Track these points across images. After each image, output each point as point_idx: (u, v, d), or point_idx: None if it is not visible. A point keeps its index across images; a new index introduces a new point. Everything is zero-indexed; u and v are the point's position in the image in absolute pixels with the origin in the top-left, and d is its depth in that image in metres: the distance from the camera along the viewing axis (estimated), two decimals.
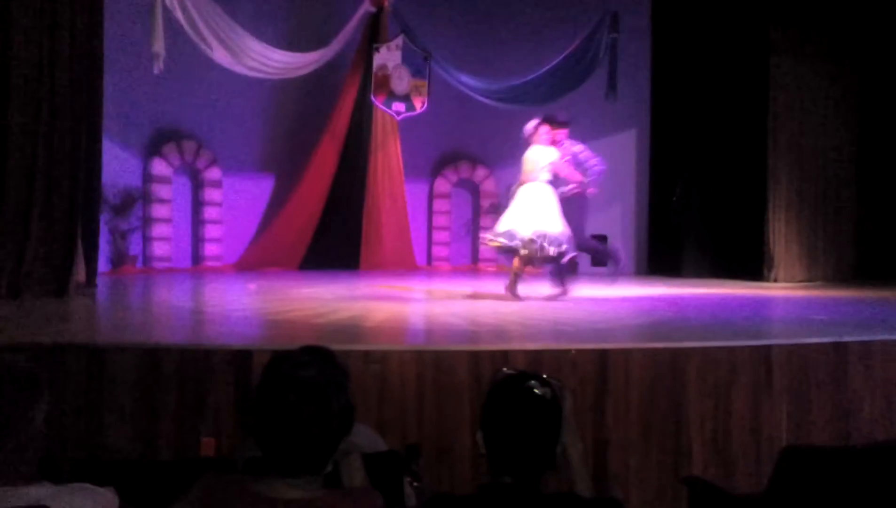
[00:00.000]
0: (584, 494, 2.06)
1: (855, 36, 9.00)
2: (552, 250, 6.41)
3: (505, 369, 2.04)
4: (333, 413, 1.71)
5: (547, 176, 6.60)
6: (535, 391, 1.90)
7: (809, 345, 4.34)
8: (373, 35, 10.30)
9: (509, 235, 6.50)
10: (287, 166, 10.48)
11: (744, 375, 4.15)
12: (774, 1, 8.97)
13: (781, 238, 9.18)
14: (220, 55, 8.45)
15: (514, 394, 1.91)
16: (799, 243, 9.23)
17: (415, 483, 2.45)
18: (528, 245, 6.41)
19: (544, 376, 1.98)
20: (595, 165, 6.93)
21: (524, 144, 6.81)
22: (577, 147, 6.90)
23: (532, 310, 6.28)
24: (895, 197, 8.78)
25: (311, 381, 1.70)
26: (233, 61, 8.66)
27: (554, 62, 10.15)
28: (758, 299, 7.50)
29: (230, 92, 9.82)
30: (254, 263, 10.00)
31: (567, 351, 4.01)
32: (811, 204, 9.22)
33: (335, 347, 3.91)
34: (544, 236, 6.39)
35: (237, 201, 10.27)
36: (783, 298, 7.46)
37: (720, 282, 8.91)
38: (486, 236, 6.86)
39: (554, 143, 6.73)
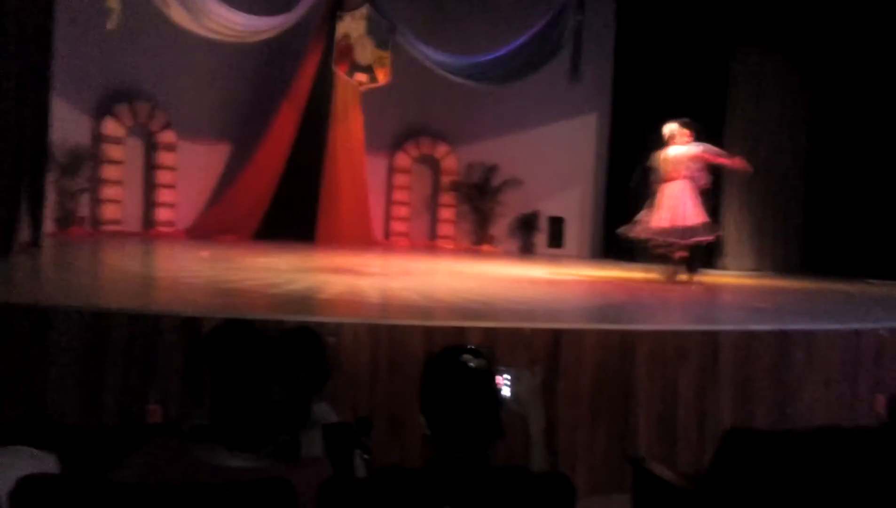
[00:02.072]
0: (537, 468, 2.07)
1: (808, 44, 9.18)
2: (691, 240, 7.19)
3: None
4: (297, 385, 1.68)
5: (687, 172, 7.24)
6: (470, 364, 1.87)
7: (755, 332, 4.47)
8: (337, 2, 10.10)
9: (662, 231, 7.20)
10: (244, 133, 10.26)
11: (691, 359, 4.25)
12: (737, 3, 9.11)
13: (732, 229, 9.40)
14: (176, 14, 8.17)
15: (449, 370, 1.88)
16: (749, 234, 9.48)
17: (364, 456, 2.45)
18: (673, 235, 7.17)
19: (474, 347, 1.95)
20: (724, 157, 7.52)
21: (662, 144, 7.36)
22: (702, 147, 7.44)
23: (489, 289, 6.30)
24: (840, 195, 9.04)
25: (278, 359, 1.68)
26: (190, 22, 8.37)
27: (519, 42, 10.12)
28: (708, 286, 7.66)
29: (188, 53, 9.54)
30: (207, 230, 9.80)
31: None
32: (762, 198, 9.45)
33: (289, 318, 3.89)
34: (686, 229, 7.15)
35: (192, 166, 10.03)
36: (732, 286, 7.64)
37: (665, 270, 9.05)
38: (632, 232, 7.42)
39: (687, 143, 7.34)
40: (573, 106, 10.78)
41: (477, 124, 11.12)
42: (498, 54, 10.17)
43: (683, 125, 7.31)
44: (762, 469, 2.67)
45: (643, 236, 7.28)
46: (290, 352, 1.67)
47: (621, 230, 7.43)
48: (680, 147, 7.26)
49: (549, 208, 11.15)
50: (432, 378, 1.90)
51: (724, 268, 9.30)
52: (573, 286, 7.11)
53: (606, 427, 4.07)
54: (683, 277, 7.42)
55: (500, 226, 11.29)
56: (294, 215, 10.03)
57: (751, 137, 9.33)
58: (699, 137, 7.39)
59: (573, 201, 11.11)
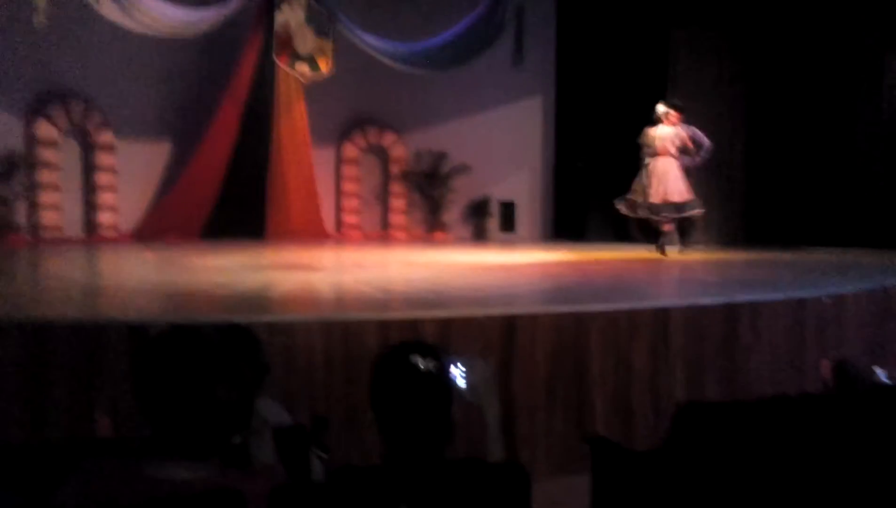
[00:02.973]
0: (494, 458, 2.07)
1: (744, 22, 9.37)
2: (683, 214, 7.82)
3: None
4: (239, 387, 1.64)
5: (674, 150, 7.81)
6: (419, 365, 1.80)
7: (703, 307, 4.56)
8: None
9: (651, 207, 7.77)
10: (186, 130, 10.02)
11: (643, 336, 4.31)
12: None
13: None
14: (106, 9, 7.90)
15: (397, 373, 1.82)
16: None
17: (322, 455, 2.43)
18: (665, 211, 7.75)
19: (425, 343, 1.89)
20: (706, 140, 7.99)
21: (656, 122, 7.86)
22: (690, 129, 7.97)
23: (443, 277, 6.30)
24: (779, 171, 9.29)
25: (213, 361, 1.63)
26: (121, 16, 8.12)
27: (460, 27, 10.09)
28: (657, 262, 7.80)
29: (122, 49, 9.25)
30: (152, 232, 9.57)
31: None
32: (705, 173, 9.63)
33: (238, 319, 3.81)
34: (679, 203, 7.74)
35: (133, 167, 9.76)
36: (680, 262, 7.79)
37: (623, 247, 9.20)
38: (621, 205, 8.00)
39: (674, 125, 7.88)
40: (518, 89, 10.81)
41: (424, 112, 11.07)
42: (439, 40, 10.13)
43: (672, 107, 7.85)
44: (714, 440, 2.73)
45: (640, 214, 7.86)
46: (224, 350, 1.63)
47: (617, 205, 7.98)
48: (669, 128, 7.80)
49: (499, 193, 11.19)
50: (381, 382, 1.83)
51: (670, 243, 9.46)
52: (526, 270, 7.16)
53: (563, 410, 4.11)
54: (673, 250, 7.91)
55: (452, 213, 11.29)
56: (242, 211, 9.86)
57: (692, 114, 9.49)
58: (686, 120, 7.93)
59: (523, 185, 11.17)
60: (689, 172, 8.01)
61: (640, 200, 7.84)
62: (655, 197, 7.74)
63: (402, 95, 10.73)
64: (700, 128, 8.05)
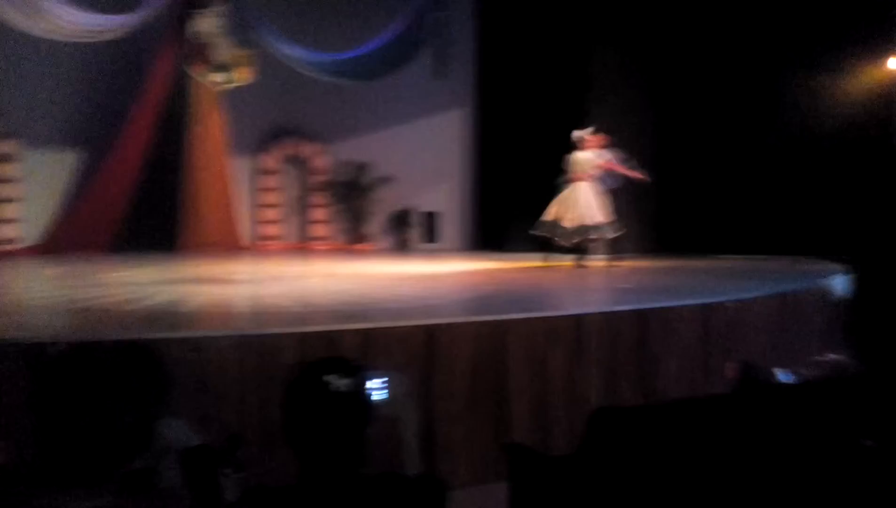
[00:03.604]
0: (412, 471, 2.06)
1: (656, 39, 9.76)
2: (598, 237, 8.09)
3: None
4: (130, 413, 1.57)
5: (594, 173, 8.08)
6: (333, 386, 1.73)
7: (616, 313, 4.68)
8: (190, 0, 9.65)
9: (570, 232, 7.94)
10: (95, 140, 9.62)
11: (560, 344, 4.39)
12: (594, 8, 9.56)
13: None
14: (8, 15, 7.51)
15: (311, 395, 1.74)
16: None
17: (235, 475, 2.35)
18: (578, 235, 7.94)
19: (345, 360, 1.80)
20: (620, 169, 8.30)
21: (575, 147, 8.11)
22: (612, 154, 8.22)
23: (364, 289, 6.25)
24: (689, 184, 9.69)
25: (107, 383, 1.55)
26: (25, 22, 7.73)
27: (381, 39, 10.09)
28: (573, 271, 7.97)
29: (28, 56, 8.82)
30: (59, 245, 9.12)
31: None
32: (620, 185, 9.91)
33: (147, 335, 3.67)
34: (591, 226, 7.96)
35: (38, 178, 9.29)
36: (593, 270, 7.98)
37: (545, 257, 9.35)
38: (540, 232, 8.18)
39: (595, 148, 8.14)
40: (441, 101, 10.88)
41: (347, 122, 11.00)
42: (361, 51, 10.09)
43: (593, 133, 8.11)
44: (626, 443, 2.80)
45: (554, 237, 8.03)
46: (121, 369, 1.55)
47: (534, 231, 8.18)
48: (588, 153, 8.06)
49: (422, 204, 11.21)
50: (294, 405, 1.76)
51: (592, 254, 9.69)
52: (447, 281, 7.19)
53: (484, 418, 4.14)
54: (581, 262, 8.06)
55: (375, 224, 11.24)
56: (155, 223, 9.52)
57: (608, 127, 9.77)
58: (611, 144, 8.18)
59: (446, 196, 11.23)
60: (614, 193, 8.23)
61: (555, 223, 8.00)
62: (571, 222, 7.91)
63: (324, 106, 10.63)
64: (616, 140, 8.30)
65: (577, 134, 8.10)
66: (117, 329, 4.18)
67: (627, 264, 8.21)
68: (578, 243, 8.02)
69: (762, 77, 9.21)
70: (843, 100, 8.83)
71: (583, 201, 7.94)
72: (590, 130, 8.13)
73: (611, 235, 8.08)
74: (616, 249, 8.37)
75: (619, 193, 8.43)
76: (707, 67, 9.45)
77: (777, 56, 9.13)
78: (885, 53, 8.61)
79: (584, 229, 7.93)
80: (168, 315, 4.73)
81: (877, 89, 8.74)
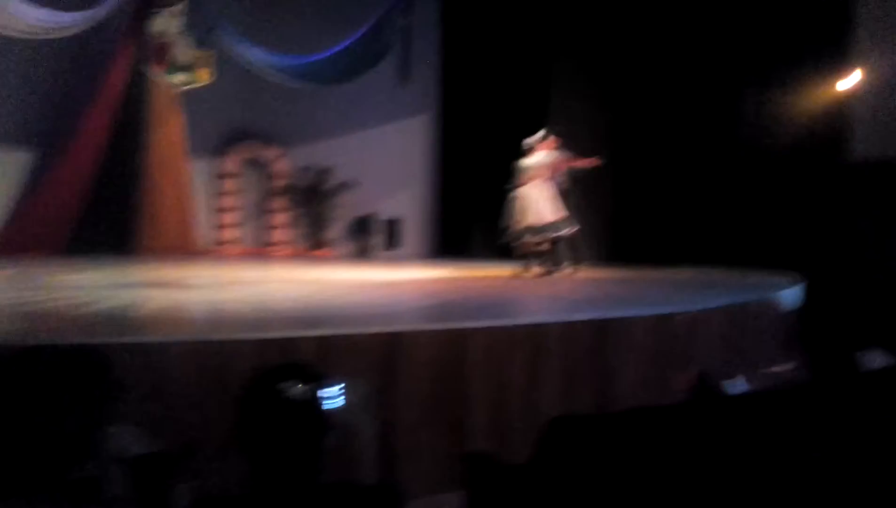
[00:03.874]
0: (368, 479, 2.04)
1: (614, 52, 9.91)
2: (553, 236, 8.02)
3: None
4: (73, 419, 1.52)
5: (549, 174, 8.08)
6: (288, 395, 1.69)
7: (575, 322, 4.73)
8: None
9: (525, 231, 7.96)
10: (48, 139, 9.38)
11: (520, 351, 4.41)
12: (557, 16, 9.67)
13: None
14: None
15: (265, 404, 1.70)
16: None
17: (188, 484, 2.30)
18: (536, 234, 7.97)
19: (301, 367, 1.76)
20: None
21: (527, 151, 8.09)
22: (563, 153, 8.23)
23: (324, 295, 6.19)
24: (646, 195, 9.85)
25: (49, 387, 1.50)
26: None
27: (345, 43, 10.06)
28: (534, 280, 8.02)
29: None
30: (9, 247, 8.84)
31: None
32: (577, 195, 10.01)
33: (99, 340, 3.58)
34: (548, 225, 7.97)
35: None
36: (551, 280, 8.04)
37: (506, 264, 9.39)
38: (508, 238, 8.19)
39: (548, 149, 8.14)
40: (405, 107, 10.88)
41: (309, 127, 10.92)
42: (326, 55, 10.04)
43: (543, 138, 8.13)
44: (583, 451, 2.82)
45: (514, 242, 8.07)
46: (64, 374, 1.51)
47: (503, 240, 8.22)
48: (537, 155, 8.06)
49: (385, 210, 11.18)
50: (248, 415, 1.72)
51: (552, 262, 9.76)
52: (408, 288, 7.17)
53: (441, 427, 4.13)
54: (540, 270, 8.06)
55: (336, 230, 11.16)
56: (110, 226, 9.32)
57: (567, 133, 9.86)
58: (561, 145, 8.17)
59: (409, 202, 11.22)
60: (567, 192, 8.25)
61: (520, 229, 8.05)
62: (521, 224, 7.97)
63: (285, 109, 10.54)
64: (575, 150, 8.39)
65: (527, 141, 8.16)
66: (66, 333, 4.07)
67: (582, 274, 8.26)
68: (541, 243, 8.04)
69: (719, 92, 9.42)
70: (796, 116, 9.08)
71: (534, 204, 7.99)
72: (540, 134, 8.16)
73: (567, 231, 8.05)
74: (576, 258, 8.42)
75: (571, 199, 8.48)
76: (665, 80, 9.62)
77: (734, 72, 9.35)
78: (837, 73, 8.89)
79: (543, 229, 7.97)
80: (120, 319, 4.62)
81: (828, 108, 9.01)
